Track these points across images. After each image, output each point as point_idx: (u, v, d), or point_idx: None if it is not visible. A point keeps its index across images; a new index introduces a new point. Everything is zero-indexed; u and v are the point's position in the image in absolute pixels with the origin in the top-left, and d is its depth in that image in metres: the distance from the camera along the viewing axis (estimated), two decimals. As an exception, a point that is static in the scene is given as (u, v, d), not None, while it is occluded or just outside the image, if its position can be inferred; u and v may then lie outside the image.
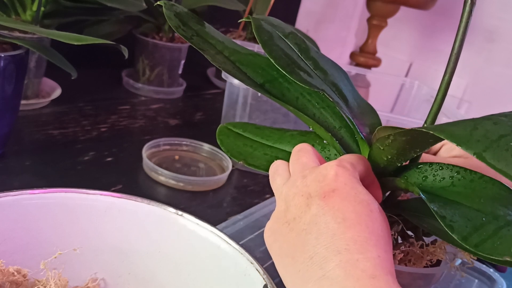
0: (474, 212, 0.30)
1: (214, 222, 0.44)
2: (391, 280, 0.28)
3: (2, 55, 0.57)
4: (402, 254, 0.39)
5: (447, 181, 0.34)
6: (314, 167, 0.34)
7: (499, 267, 0.60)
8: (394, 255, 0.38)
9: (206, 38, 0.41)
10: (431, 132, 0.27)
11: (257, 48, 0.87)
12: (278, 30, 0.43)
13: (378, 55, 1.42)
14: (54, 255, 0.39)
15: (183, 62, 1.04)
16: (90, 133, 0.78)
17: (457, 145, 0.25)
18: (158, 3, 0.41)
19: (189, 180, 0.68)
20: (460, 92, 1.38)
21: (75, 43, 0.55)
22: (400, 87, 1.05)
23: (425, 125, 0.36)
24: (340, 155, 0.41)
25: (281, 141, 0.46)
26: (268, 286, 0.36)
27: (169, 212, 0.42)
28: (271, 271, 0.37)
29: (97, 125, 0.81)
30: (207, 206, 0.66)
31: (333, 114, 0.43)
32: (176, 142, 0.78)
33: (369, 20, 1.39)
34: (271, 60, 0.38)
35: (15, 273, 0.37)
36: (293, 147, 0.38)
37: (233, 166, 0.74)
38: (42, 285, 0.38)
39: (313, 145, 0.39)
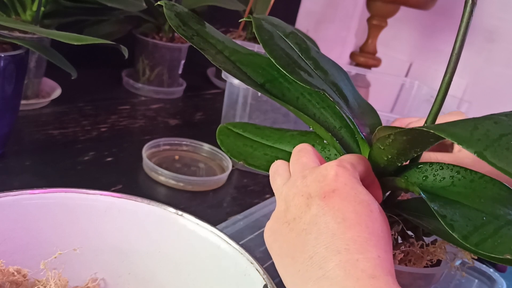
0: (474, 212, 0.30)
1: (214, 222, 0.44)
2: (391, 280, 0.28)
3: (2, 55, 0.57)
4: (402, 254, 0.39)
5: (448, 181, 0.34)
6: (314, 167, 0.34)
7: (499, 267, 0.60)
8: (394, 255, 0.38)
9: (206, 38, 0.41)
10: (432, 131, 0.27)
11: (257, 48, 0.87)
12: (279, 30, 0.43)
13: (378, 55, 1.42)
14: (54, 255, 0.39)
15: (183, 62, 1.04)
16: (90, 133, 0.78)
17: (458, 144, 0.25)
18: (158, 3, 0.41)
19: (189, 180, 0.67)
20: (460, 92, 1.38)
21: (75, 43, 0.55)
22: (400, 87, 1.05)
23: (425, 125, 0.36)
24: (340, 155, 0.41)
25: (281, 141, 0.46)
26: (268, 286, 0.36)
27: (169, 212, 0.42)
28: (271, 271, 0.37)
29: (97, 125, 0.81)
30: (207, 206, 0.66)
31: (333, 114, 0.43)
32: (176, 142, 0.78)
33: (369, 20, 1.38)
34: (272, 59, 0.38)
35: (15, 273, 0.37)
36: (293, 147, 0.38)
37: (233, 166, 0.74)
38: (42, 285, 0.38)
39: (313, 145, 0.39)
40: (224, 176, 0.71)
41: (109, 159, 0.72)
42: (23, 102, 0.73)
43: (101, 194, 0.42)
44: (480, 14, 1.31)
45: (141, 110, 0.94)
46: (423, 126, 0.29)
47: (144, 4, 0.86)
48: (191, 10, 1.06)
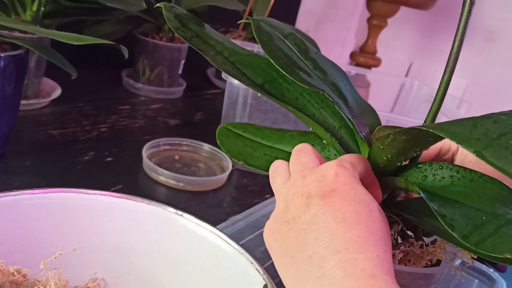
0: (474, 211, 0.30)
1: (214, 222, 0.44)
2: (390, 280, 0.28)
3: (2, 55, 0.57)
4: (402, 254, 0.39)
5: (447, 181, 0.34)
6: (314, 167, 0.34)
7: (499, 267, 0.60)
8: (394, 255, 0.38)
9: (205, 39, 0.41)
10: (431, 130, 0.27)
11: (257, 48, 0.88)
12: (278, 31, 0.43)
13: (378, 55, 1.42)
14: (54, 255, 0.39)
15: (183, 62, 1.04)
16: (90, 133, 0.78)
17: (457, 143, 0.25)
18: (158, 4, 0.41)
19: (189, 180, 0.68)
20: (460, 92, 1.38)
21: (75, 43, 0.55)
22: (400, 87, 1.05)
23: (424, 124, 0.36)
24: (340, 155, 0.41)
25: (281, 142, 0.46)
26: (268, 286, 0.36)
27: (169, 212, 0.42)
28: (271, 271, 0.37)
29: (97, 125, 0.81)
30: (207, 206, 0.66)
31: (332, 114, 0.43)
32: (176, 142, 0.78)
33: (369, 20, 1.39)
34: (271, 60, 0.38)
35: (15, 273, 0.37)
36: (293, 147, 0.38)
37: (233, 166, 0.74)
38: (42, 285, 0.38)
39: (313, 145, 0.39)
40: (224, 176, 0.71)
41: (109, 159, 0.72)
42: (23, 102, 0.73)
43: (101, 194, 0.42)
44: (480, 14, 1.31)
45: (141, 110, 0.94)
46: (422, 125, 0.29)
47: (144, 4, 0.86)
48: (191, 10, 1.06)
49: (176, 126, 0.91)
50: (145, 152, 0.71)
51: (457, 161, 0.42)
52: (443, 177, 0.35)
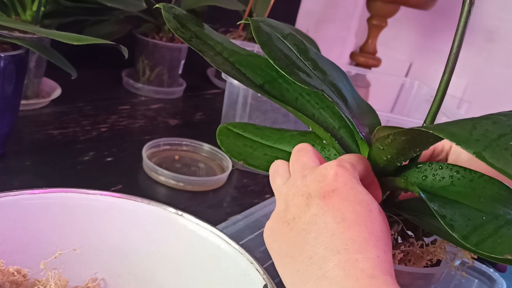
0: (474, 212, 0.30)
1: (214, 222, 0.44)
2: (390, 280, 0.28)
3: (2, 55, 0.57)
4: (402, 254, 0.39)
5: (447, 181, 0.34)
6: (314, 167, 0.34)
7: (499, 267, 0.60)
8: (394, 255, 0.38)
9: (205, 39, 0.41)
10: (431, 131, 0.27)
11: (257, 48, 0.88)
12: (277, 31, 0.43)
13: (378, 55, 1.42)
14: (54, 255, 0.39)
15: (183, 62, 1.04)
16: (90, 133, 0.78)
17: (456, 144, 0.25)
18: (157, 5, 0.41)
19: (189, 180, 0.68)
20: (460, 92, 1.38)
21: (75, 43, 0.55)
22: (400, 87, 1.05)
23: (424, 125, 0.36)
24: (340, 155, 0.41)
25: (281, 142, 0.46)
26: (268, 286, 0.36)
27: (169, 212, 0.42)
28: (271, 271, 0.37)
29: (97, 125, 0.81)
30: (207, 206, 0.66)
31: (332, 114, 0.43)
32: (176, 142, 0.78)
33: (369, 20, 1.39)
34: (270, 60, 0.38)
35: (15, 273, 0.37)
36: (293, 147, 0.38)
37: (233, 166, 0.74)
38: (42, 285, 0.38)
39: (312, 145, 0.39)
40: (224, 176, 0.71)
41: (109, 159, 0.72)
42: (23, 102, 0.73)
43: (101, 194, 0.42)
44: (480, 14, 1.31)
45: (141, 110, 0.94)
46: (422, 126, 0.29)
47: (144, 4, 0.86)
48: (191, 10, 1.06)
49: (176, 126, 0.91)
50: (145, 152, 0.71)
51: (450, 160, 0.42)
52: (443, 177, 0.35)
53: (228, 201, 0.69)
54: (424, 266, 0.40)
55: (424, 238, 0.41)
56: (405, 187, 0.35)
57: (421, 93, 1.00)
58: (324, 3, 1.57)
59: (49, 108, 0.83)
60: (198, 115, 0.99)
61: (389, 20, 1.38)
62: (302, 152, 0.37)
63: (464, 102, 1.37)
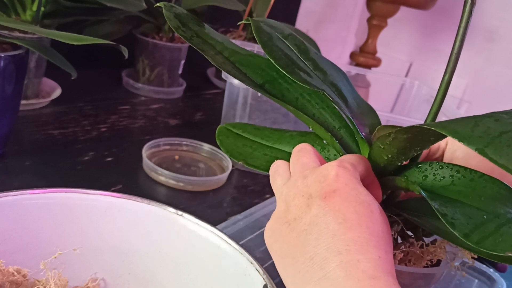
0: (475, 210, 0.30)
1: (214, 222, 0.44)
2: (391, 281, 0.28)
3: (2, 55, 0.57)
4: (402, 254, 0.39)
5: (447, 180, 0.34)
6: (314, 168, 0.34)
7: (499, 267, 0.60)
8: (394, 255, 0.38)
9: (205, 39, 0.41)
10: (433, 128, 0.27)
11: (257, 48, 0.88)
12: (278, 32, 0.43)
13: (378, 55, 1.42)
14: (54, 255, 0.39)
15: (183, 62, 1.04)
16: (90, 133, 0.78)
17: (459, 141, 0.25)
18: (158, 4, 0.41)
19: (189, 180, 0.68)
20: (460, 92, 1.38)
21: (75, 43, 0.55)
22: (400, 87, 1.05)
23: (426, 123, 0.36)
24: (340, 155, 0.41)
25: (281, 142, 0.46)
26: (268, 286, 0.36)
27: (169, 212, 0.42)
28: (271, 271, 0.37)
29: (97, 125, 0.81)
30: (207, 206, 0.66)
31: (332, 114, 0.43)
32: (176, 142, 0.78)
33: (369, 20, 1.39)
34: (271, 60, 0.38)
35: (15, 273, 0.37)
36: (293, 147, 0.38)
37: (233, 166, 0.74)
38: (42, 285, 0.38)
39: (312, 146, 0.39)
40: (224, 176, 0.71)
41: (109, 159, 0.72)
42: (23, 102, 0.73)
43: (101, 194, 0.42)
44: (480, 14, 1.31)
45: (141, 110, 0.94)
46: (424, 124, 0.29)
47: (144, 4, 0.86)
48: (191, 10, 1.06)
49: (176, 126, 0.91)
50: (145, 152, 0.71)
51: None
52: (444, 177, 0.35)
53: (228, 201, 0.69)
54: (424, 266, 0.40)
55: (424, 238, 0.41)
56: (405, 187, 0.35)
57: (421, 93, 1.00)
58: (324, 3, 1.57)
59: (49, 108, 0.83)
60: (198, 115, 0.99)
61: (389, 20, 1.38)
62: (303, 153, 0.37)
63: (464, 102, 1.37)
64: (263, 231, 0.36)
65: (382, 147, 0.35)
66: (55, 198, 0.40)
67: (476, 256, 0.40)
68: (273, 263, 0.34)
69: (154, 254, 0.42)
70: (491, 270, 0.57)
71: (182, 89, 1.07)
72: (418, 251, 0.40)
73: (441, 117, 0.35)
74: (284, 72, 0.38)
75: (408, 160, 0.38)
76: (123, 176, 0.68)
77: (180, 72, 1.05)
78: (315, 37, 1.26)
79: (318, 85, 0.39)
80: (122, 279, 0.42)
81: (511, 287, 0.56)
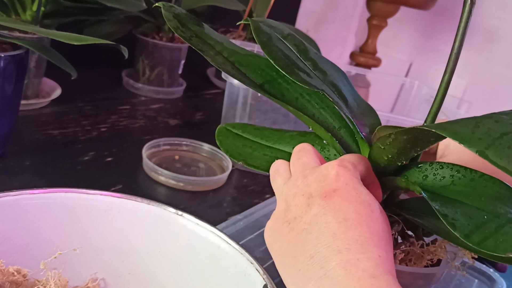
0: (475, 211, 0.30)
1: (214, 222, 0.44)
2: (391, 280, 0.28)
3: (2, 55, 0.57)
4: (403, 254, 0.39)
5: (448, 180, 0.34)
6: (315, 167, 0.34)
7: (499, 267, 0.60)
8: (394, 254, 0.38)
9: (205, 39, 0.41)
10: (433, 130, 0.27)
11: (256, 48, 0.88)
12: (277, 32, 0.43)
13: (378, 55, 1.42)
14: (54, 255, 0.39)
15: (183, 62, 1.04)
16: (90, 133, 0.78)
17: (459, 142, 0.25)
18: (157, 4, 0.41)
19: (189, 180, 0.68)
20: (460, 92, 1.38)
21: (75, 43, 0.55)
22: (400, 87, 1.05)
23: (426, 124, 0.36)
24: (340, 155, 0.41)
25: (281, 142, 0.46)
26: (268, 286, 0.36)
27: (169, 212, 0.42)
28: (271, 271, 0.37)
29: (97, 125, 0.81)
30: (207, 206, 0.66)
31: (332, 114, 0.43)
32: (176, 142, 0.78)
33: (369, 20, 1.39)
34: (271, 60, 0.38)
35: (15, 273, 0.37)
36: (293, 147, 0.38)
37: (233, 166, 0.74)
38: (42, 285, 0.38)
39: (312, 146, 0.39)
40: (224, 176, 0.71)
41: (109, 159, 0.72)
42: (23, 102, 0.73)
43: (101, 194, 0.42)
44: (480, 14, 1.31)
45: (141, 110, 0.94)
46: (424, 125, 0.29)
47: (144, 4, 0.86)
48: (191, 10, 1.06)
49: (176, 126, 0.91)
50: (145, 152, 0.71)
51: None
52: (444, 177, 0.35)
53: (228, 201, 0.69)
54: (425, 266, 0.40)
55: (424, 238, 0.41)
56: (406, 187, 0.35)
57: (421, 93, 1.00)
58: (324, 3, 1.57)
59: (49, 108, 0.83)
60: (198, 115, 0.99)
61: (389, 20, 1.38)
62: (303, 152, 0.37)
63: (464, 102, 1.37)
64: (263, 231, 0.36)
65: (382, 147, 0.35)
66: (55, 198, 0.40)
67: (476, 256, 0.40)
68: (273, 263, 0.34)
69: (154, 254, 0.42)
70: (491, 270, 0.57)
71: (182, 89, 1.07)
72: (418, 251, 0.40)
73: (441, 117, 0.35)
74: (283, 72, 0.38)
75: (408, 160, 0.38)
76: (123, 176, 0.68)
77: (180, 72, 1.05)
78: (315, 37, 1.26)
79: (318, 85, 0.39)
80: (122, 279, 0.42)
81: (511, 287, 0.56)
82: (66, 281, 0.40)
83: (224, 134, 0.47)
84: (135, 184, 0.67)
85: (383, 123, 0.44)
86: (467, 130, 0.26)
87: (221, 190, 0.71)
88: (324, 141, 0.44)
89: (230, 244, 0.40)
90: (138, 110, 0.93)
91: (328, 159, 0.43)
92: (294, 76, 0.38)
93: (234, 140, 0.46)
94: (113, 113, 0.88)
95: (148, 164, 0.69)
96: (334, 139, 0.41)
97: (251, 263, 0.38)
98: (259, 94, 0.74)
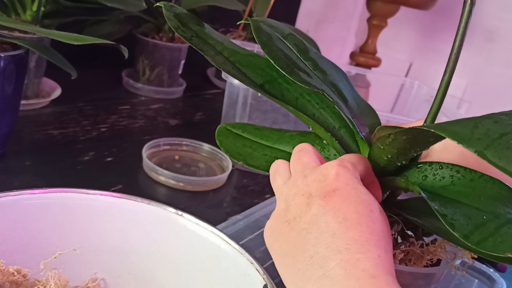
0: (474, 211, 0.30)
1: (214, 222, 0.44)
2: (391, 280, 0.28)
3: (2, 55, 0.57)
4: (403, 254, 0.39)
5: (447, 180, 0.34)
6: (315, 167, 0.34)
7: (499, 267, 0.60)
8: (394, 254, 0.38)
9: (205, 39, 0.41)
10: (432, 130, 0.27)
11: (257, 48, 0.87)
12: (277, 32, 0.43)
13: (378, 55, 1.42)
14: (54, 255, 0.39)
15: (183, 62, 1.04)
16: (90, 133, 0.78)
17: (458, 143, 0.25)
18: (158, 4, 0.41)
19: (189, 180, 0.68)
20: (460, 92, 1.38)
21: (75, 43, 0.55)
22: (400, 87, 1.05)
23: (425, 124, 0.36)
24: (340, 155, 0.41)
25: (281, 142, 0.46)
26: (268, 286, 0.36)
27: (169, 212, 0.42)
28: (271, 271, 0.37)
29: (97, 125, 0.81)
30: (207, 206, 0.66)
31: (332, 114, 0.43)
32: (176, 142, 0.78)
33: (369, 20, 1.39)
34: (271, 60, 0.38)
35: (15, 273, 0.37)
36: (293, 147, 0.38)
37: (233, 166, 0.74)
38: (42, 285, 0.38)
39: (312, 145, 0.39)
40: (224, 176, 0.71)
41: (109, 159, 0.72)
42: (23, 102, 0.73)
43: (101, 194, 0.42)
44: (480, 14, 1.31)
45: (141, 110, 0.94)
46: (424, 125, 0.29)
47: (144, 4, 0.86)
48: (191, 10, 1.06)
49: (176, 126, 0.91)
50: (145, 152, 0.71)
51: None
52: (443, 177, 0.35)
53: (228, 201, 0.69)
54: (425, 266, 0.40)
55: (424, 238, 0.41)
56: (405, 187, 0.35)
57: (421, 93, 1.00)
58: (324, 3, 1.57)
59: (49, 108, 0.83)
60: (198, 115, 0.99)
61: (389, 20, 1.38)
62: (303, 152, 0.37)
63: (464, 102, 1.37)
64: (263, 231, 0.36)
65: (382, 147, 0.35)
66: (55, 198, 0.40)
67: (476, 256, 0.40)
68: (273, 263, 0.34)
69: (154, 254, 0.42)
70: (491, 270, 0.57)
71: (182, 89, 1.07)
72: (418, 251, 0.40)
73: (441, 117, 0.35)
74: (283, 72, 0.38)
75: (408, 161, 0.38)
76: (123, 176, 0.68)
77: (180, 72, 1.05)
78: (315, 37, 1.26)
79: (318, 85, 0.39)
80: (122, 279, 0.42)
81: (511, 287, 0.56)
82: (66, 281, 0.40)
83: (224, 134, 0.47)
84: (135, 184, 0.67)
85: (383, 123, 0.44)
86: (466, 130, 0.26)
87: (221, 190, 0.71)
88: (324, 141, 0.44)
89: (230, 244, 0.40)
90: (138, 110, 0.93)
91: (328, 159, 0.43)
92: (294, 76, 0.38)
93: (234, 140, 0.46)
94: (113, 113, 0.88)
95: (148, 164, 0.69)
96: (334, 139, 0.41)
97: (251, 263, 0.38)
98: (259, 94, 0.74)
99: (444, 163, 0.35)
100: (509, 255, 0.26)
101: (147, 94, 1.01)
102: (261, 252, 0.55)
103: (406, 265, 0.40)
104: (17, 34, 0.70)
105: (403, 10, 1.36)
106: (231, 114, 0.77)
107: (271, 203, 0.66)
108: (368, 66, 1.39)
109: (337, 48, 1.66)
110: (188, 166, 0.74)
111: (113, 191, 0.42)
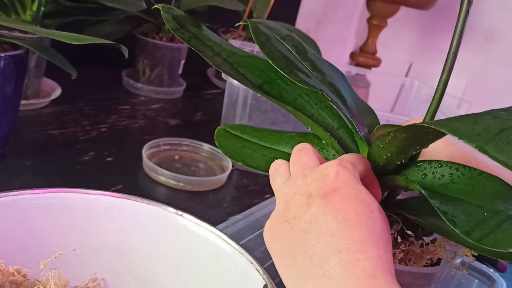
0: (475, 208, 0.30)
1: (214, 222, 0.44)
2: (390, 280, 0.28)
3: (2, 55, 0.57)
4: (402, 254, 0.39)
5: (447, 178, 0.34)
6: (314, 167, 0.34)
7: (499, 267, 0.60)
8: (394, 254, 0.38)
9: (203, 40, 0.42)
10: (433, 127, 0.27)
11: (257, 49, 0.88)
12: (276, 33, 0.43)
13: (378, 55, 1.42)
14: (54, 255, 0.39)
15: (183, 62, 1.04)
16: (90, 133, 0.78)
17: (459, 138, 0.25)
18: (156, 6, 0.41)
19: (189, 180, 0.68)
20: (460, 92, 1.38)
21: (75, 43, 0.55)
22: (400, 87, 1.05)
23: (425, 121, 0.36)
24: (339, 155, 0.41)
25: (280, 143, 0.46)
26: (268, 286, 0.36)
27: (169, 212, 0.42)
28: (271, 271, 0.37)
29: (97, 125, 0.81)
30: (207, 206, 0.66)
31: (331, 114, 0.43)
32: (176, 142, 0.78)
33: (369, 20, 1.38)
34: (270, 61, 0.38)
35: (15, 273, 0.37)
36: (292, 148, 0.38)
37: (233, 166, 0.75)
38: (42, 285, 0.38)
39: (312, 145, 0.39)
40: (224, 176, 0.71)
41: (109, 159, 0.72)
42: (23, 102, 0.73)
43: (101, 194, 0.42)
44: (480, 14, 1.31)
45: (141, 110, 0.94)
46: (423, 122, 0.29)
47: (144, 4, 0.86)
48: (191, 10, 1.06)
49: (176, 126, 0.91)
50: (145, 152, 0.71)
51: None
52: (443, 175, 0.35)
53: (228, 201, 0.69)
54: (425, 265, 0.40)
55: (424, 238, 0.41)
56: (405, 186, 0.35)
57: (421, 93, 1.00)
58: (324, 3, 1.57)
59: (49, 108, 0.83)
60: (198, 115, 0.99)
61: (389, 20, 1.38)
62: (303, 152, 0.37)
63: (464, 102, 1.37)
64: (263, 230, 0.36)
65: (381, 146, 0.35)
66: (55, 198, 0.41)
67: (476, 254, 0.40)
68: (273, 263, 0.34)
69: (154, 254, 0.42)
70: (491, 270, 0.57)
71: (182, 89, 1.07)
72: (418, 250, 0.40)
73: (440, 117, 0.35)
74: (282, 73, 0.38)
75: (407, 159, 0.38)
76: (123, 176, 0.68)
77: (180, 72, 1.05)
78: (315, 37, 1.26)
79: (317, 86, 0.39)
80: (122, 279, 0.43)
81: (511, 287, 0.56)
82: (66, 281, 0.40)
83: (223, 135, 0.47)
84: (135, 184, 0.67)
85: (383, 123, 0.44)
86: (466, 126, 0.26)
87: (221, 190, 0.71)
88: (323, 141, 0.44)
89: (230, 244, 0.40)
90: (138, 110, 0.93)
91: (327, 159, 0.43)
92: (293, 76, 0.38)
93: (233, 141, 0.46)
94: (113, 113, 0.88)
95: (148, 164, 0.69)
96: (333, 139, 0.41)
97: (251, 263, 0.38)
98: (259, 94, 0.74)
99: (443, 161, 0.35)
100: (511, 251, 0.26)
101: (147, 94, 1.01)
102: (261, 252, 0.55)
103: (406, 264, 0.40)
104: (17, 34, 0.70)
105: (403, 10, 1.36)
106: (231, 114, 0.77)
107: (271, 203, 0.66)
108: (368, 66, 1.39)
109: (337, 48, 1.66)
110: (188, 166, 0.75)
111: (113, 191, 0.42)
